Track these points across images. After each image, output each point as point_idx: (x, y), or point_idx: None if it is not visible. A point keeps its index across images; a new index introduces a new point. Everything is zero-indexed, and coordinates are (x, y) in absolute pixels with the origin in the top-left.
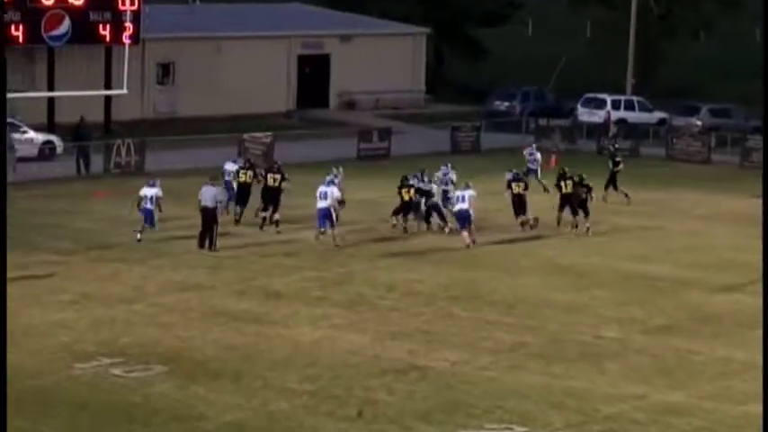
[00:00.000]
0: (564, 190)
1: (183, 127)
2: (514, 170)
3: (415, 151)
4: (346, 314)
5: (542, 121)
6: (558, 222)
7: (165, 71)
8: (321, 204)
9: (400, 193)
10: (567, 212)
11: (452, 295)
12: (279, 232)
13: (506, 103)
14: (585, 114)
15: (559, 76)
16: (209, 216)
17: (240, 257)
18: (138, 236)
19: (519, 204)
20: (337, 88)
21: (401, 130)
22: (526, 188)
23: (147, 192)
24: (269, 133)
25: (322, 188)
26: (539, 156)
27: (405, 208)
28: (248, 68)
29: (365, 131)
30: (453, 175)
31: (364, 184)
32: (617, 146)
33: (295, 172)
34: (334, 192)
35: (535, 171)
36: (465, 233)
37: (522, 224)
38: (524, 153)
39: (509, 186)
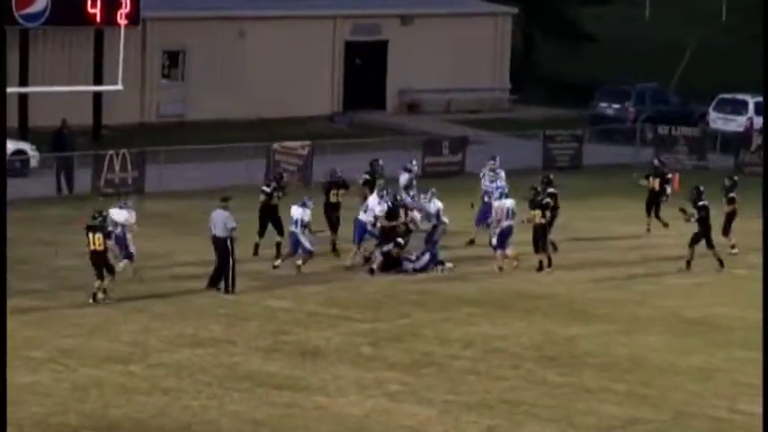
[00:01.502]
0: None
1: (196, 134)
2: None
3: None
4: (407, 379)
5: (663, 130)
6: (690, 264)
7: (173, 61)
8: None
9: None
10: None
11: (546, 355)
12: (275, 266)
13: (616, 106)
14: (720, 121)
15: (685, 72)
16: (220, 248)
17: (267, 303)
18: (300, 263)
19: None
20: (397, 85)
21: (479, 139)
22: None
23: (295, 213)
24: (307, 142)
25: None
26: (503, 174)
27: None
28: (280, 58)
29: (433, 141)
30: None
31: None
32: (663, 159)
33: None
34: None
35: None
36: (499, 252)
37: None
38: (482, 171)
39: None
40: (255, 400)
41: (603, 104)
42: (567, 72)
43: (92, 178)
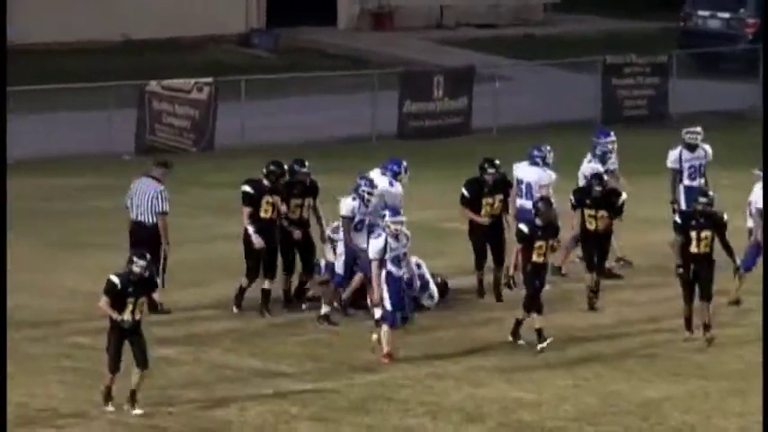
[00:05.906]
0: None
1: (21, 67)
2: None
3: (525, 120)
4: None
5: None
6: None
7: None
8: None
9: None
10: None
11: None
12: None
13: (724, 15)
14: None
15: None
16: (144, 239)
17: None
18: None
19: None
20: None
21: (496, 72)
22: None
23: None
24: (207, 80)
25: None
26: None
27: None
28: None
29: (415, 76)
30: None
31: (419, 189)
32: None
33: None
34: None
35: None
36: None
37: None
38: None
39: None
40: None
41: (702, 13)
42: None
43: None
